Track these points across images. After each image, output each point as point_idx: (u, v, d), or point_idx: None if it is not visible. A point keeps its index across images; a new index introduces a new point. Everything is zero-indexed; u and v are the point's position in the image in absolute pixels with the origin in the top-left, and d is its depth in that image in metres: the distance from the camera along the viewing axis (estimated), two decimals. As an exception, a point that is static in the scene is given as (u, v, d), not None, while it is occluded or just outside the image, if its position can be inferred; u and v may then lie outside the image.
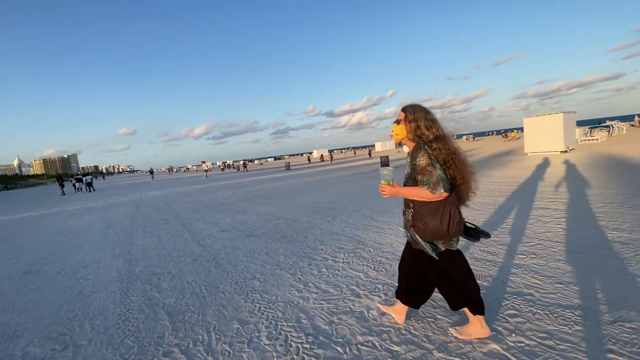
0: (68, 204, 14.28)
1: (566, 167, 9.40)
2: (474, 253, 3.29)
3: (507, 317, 2.12)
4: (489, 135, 60.59)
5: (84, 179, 25.60)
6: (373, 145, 73.15)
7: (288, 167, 29.58)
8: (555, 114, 14.97)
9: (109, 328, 2.52)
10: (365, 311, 2.40)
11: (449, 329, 2.05)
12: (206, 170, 33.34)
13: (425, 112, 1.78)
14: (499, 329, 2.01)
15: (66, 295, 3.30)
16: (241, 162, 48.60)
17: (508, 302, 2.29)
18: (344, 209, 6.48)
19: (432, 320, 2.19)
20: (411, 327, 2.13)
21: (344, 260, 3.51)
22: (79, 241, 5.96)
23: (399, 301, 2.15)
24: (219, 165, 60.77)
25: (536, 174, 8.49)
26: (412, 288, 2.04)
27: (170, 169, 66.20)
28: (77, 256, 4.88)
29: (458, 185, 1.77)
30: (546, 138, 15.08)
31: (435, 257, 1.78)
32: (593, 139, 19.49)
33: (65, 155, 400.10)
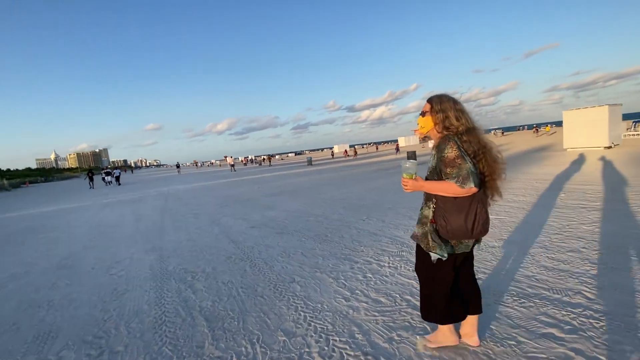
0: (100, 197, 14.76)
1: (614, 163, 8.56)
2: (542, 261, 2.88)
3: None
4: (519, 129, 57.53)
5: (113, 172, 26.19)
6: (396, 140, 71.53)
7: (310, 162, 29.40)
8: (600, 106, 13.81)
9: (145, 333, 2.35)
10: (428, 327, 2.08)
11: (417, 337, 1.97)
12: (232, 165, 34.26)
13: (454, 102, 1.65)
14: None
15: (100, 293, 3.19)
16: (264, 157, 49.07)
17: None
18: (378, 206, 6.14)
19: (507, 339, 1.84)
20: (489, 351, 1.80)
21: (390, 264, 3.20)
22: (111, 235, 5.98)
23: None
24: (242, 160, 61.69)
25: (585, 171, 7.76)
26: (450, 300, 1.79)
27: (195, 163, 67.87)
28: (110, 251, 4.84)
29: (486, 181, 1.61)
30: (589, 133, 13.96)
31: (442, 257, 1.62)
32: (639, 134, 17.97)
33: (97, 150, 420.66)
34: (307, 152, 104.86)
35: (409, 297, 2.50)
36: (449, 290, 1.73)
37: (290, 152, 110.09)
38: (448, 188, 1.52)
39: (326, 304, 2.53)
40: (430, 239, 1.64)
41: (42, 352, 2.21)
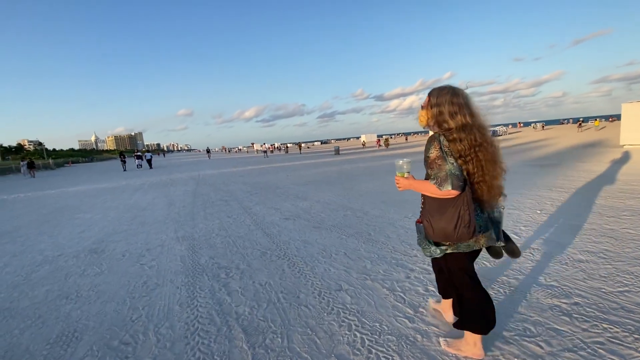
0: (134, 179, 15.13)
1: None
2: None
3: None
4: (563, 123, 53.03)
5: (144, 155, 25.99)
6: (427, 131, 68.80)
7: (337, 151, 28.83)
8: (670, 98, 12.12)
9: (175, 343, 2.04)
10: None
11: (440, 338, 1.87)
12: (265, 152, 35.23)
13: (452, 95, 1.51)
14: None
15: (130, 286, 2.95)
16: (288, 145, 49.03)
17: None
18: (407, 199, 5.58)
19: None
20: None
21: (455, 275, 2.70)
22: (143, 219, 5.87)
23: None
24: (269, 148, 62.18)
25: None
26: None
27: (223, 149, 69.37)
28: (141, 236, 4.68)
29: (475, 182, 1.50)
30: (654, 128, 12.37)
31: (430, 256, 1.67)
32: None
33: (133, 133, 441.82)
34: (332, 141, 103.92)
35: (490, 324, 2.01)
36: (476, 291, 1.65)
37: (316, 141, 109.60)
38: (429, 188, 1.49)
39: (385, 323, 2.09)
40: (421, 239, 1.68)
41: (64, 358, 1.95)
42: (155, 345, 2.03)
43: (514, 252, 1.72)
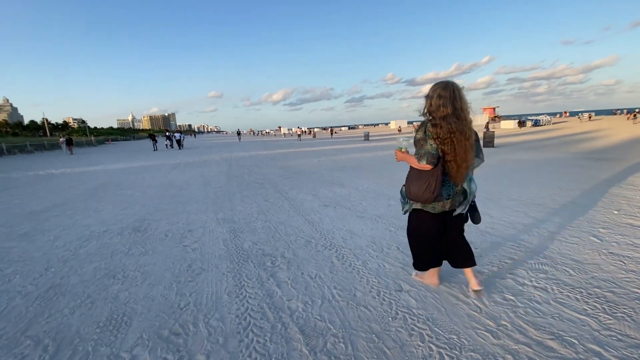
0: (169, 158, 15.54)
1: None
2: None
3: None
4: (615, 113, 47.98)
5: (174, 135, 24.74)
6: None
7: (367, 137, 28.13)
8: None
9: (228, 338, 1.88)
10: None
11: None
12: (299, 135, 35.28)
13: (443, 89, 1.84)
14: None
15: (175, 269, 2.85)
16: (314, 130, 48.63)
17: None
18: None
19: None
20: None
21: (535, 283, 2.34)
22: (181, 198, 5.88)
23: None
24: (295, 131, 61.99)
25: None
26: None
27: (251, 132, 70.28)
28: (182, 216, 4.64)
29: (449, 161, 1.86)
30: None
31: (403, 212, 2.19)
32: None
33: (166, 114, 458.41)
34: (360, 126, 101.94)
35: (592, 345, 1.67)
36: (424, 245, 2.18)
37: (343, 126, 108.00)
38: (412, 161, 1.95)
39: (464, 336, 1.81)
40: (400, 199, 2.20)
41: (115, 345, 1.85)
42: (207, 339, 1.88)
43: (475, 219, 2.17)
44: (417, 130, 1.92)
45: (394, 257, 2.89)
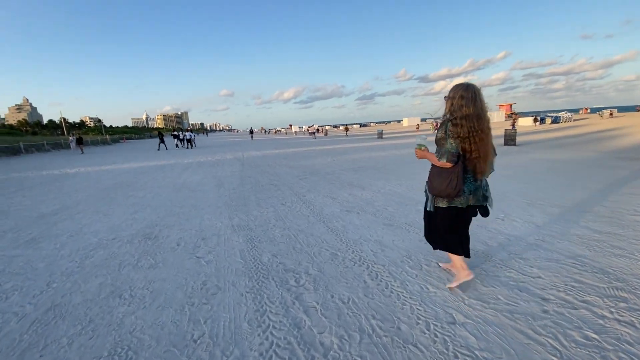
0: (181, 158, 15.41)
1: None
2: None
3: None
4: (639, 110, 45.56)
5: (183, 134, 23.55)
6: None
7: (381, 135, 27.55)
8: None
9: (252, 387, 1.53)
10: None
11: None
12: (313, 133, 34.97)
13: (464, 90, 1.95)
14: None
15: (188, 287, 2.53)
16: (326, 128, 48.19)
17: None
18: (505, 198, 4.67)
19: None
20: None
21: (617, 316, 1.92)
22: (194, 201, 5.60)
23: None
24: (307, 129, 61.62)
25: None
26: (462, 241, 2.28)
27: (262, 130, 70.35)
28: (194, 221, 4.35)
29: (473, 158, 1.96)
30: None
31: (431, 209, 2.18)
32: None
33: (179, 112, 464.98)
34: (372, 124, 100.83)
35: None
36: (453, 231, 2.23)
37: (355, 124, 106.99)
38: (433, 159, 2.06)
39: (550, 394, 1.41)
40: (427, 193, 2.23)
41: (116, 393, 1.53)
42: (226, 387, 1.54)
43: (485, 213, 2.19)
44: (437, 130, 2.07)
45: (437, 277, 2.50)
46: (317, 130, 41.93)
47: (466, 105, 1.92)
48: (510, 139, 14.85)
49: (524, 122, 36.40)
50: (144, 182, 8.19)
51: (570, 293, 2.19)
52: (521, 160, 8.99)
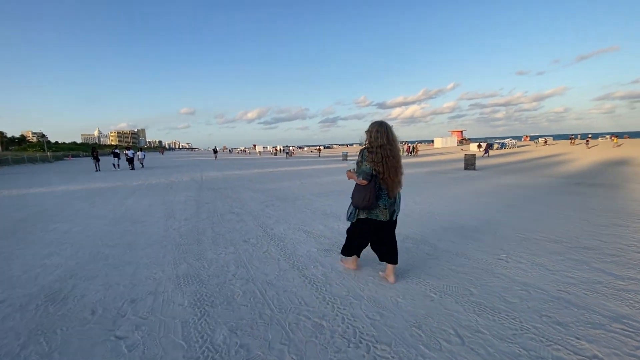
0: (131, 179, 13.73)
1: None
2: None
3: None
4: (572, 140, 50.52)
5: (126, 153, 19.60)
6: (432, 141, 67.47)
7: (346, 157, 27.51)
8: None
9: None
10: None
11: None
12: (287, 153, 34.60)
13: (379, 126, 2.53)
14: None
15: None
16: (293, 148, 47.67)
17: None
18: (504, 232, 4.21)
19: None
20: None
21: None
22: (132, 238, 4.48)
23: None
24: (271, 150, 60.58)
25: None
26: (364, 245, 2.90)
27: (224, 149, 68.06)
28: (126, 270, 3.29)
29: (384, 178, 2.49)
30: None
31: (352, 220, 2.73)
32: None
33: (136, 129, 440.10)
34: (335, 146, 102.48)
35: None
36: (356, 240, 2.83)
37: (319, 145, 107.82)
38: (354, 178, 2.58)
39: None
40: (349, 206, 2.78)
41: None
42: None
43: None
44: (359, 155, 2.57)
45: (462, 358, 1.78)
46: (291, 151, 41.39)
47: (380, 137, 2.48)
48: (469, 163, 15.22)
49: (475, 148, 38.81)
50: (76, 209, 6.78)
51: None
52: (489, 185, 8.93)
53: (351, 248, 2.89)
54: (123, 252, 3.89)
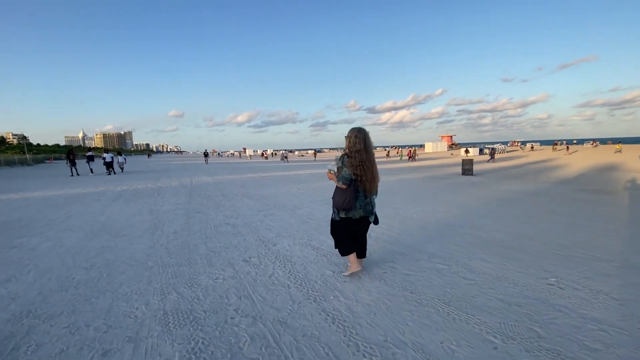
0: (115, 184, 12.87)
1: None
2: None
3: None
4: (556, 145, 51.27)
5: (103, 157, 17.42)
6: (422, 146, 67.84)
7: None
8: None
9: None
10: None
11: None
12: (285, 157, 34.13)
13: (358, 132, 2.74)
14: None
15: None
16: (287, 152, 46.97)
17: None
18: (539, 249, 3.72)
19: None
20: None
21: None
22: (111, 256, 3.82)
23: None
24: (262, 154, 59.55)
25: None
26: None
27: (214, 152, 66.78)
28: (100, 303, 2.64)
29: (362, 181, 2.71)
30: None
31: (336, 219, 2.88)
32: None
33: (122, 132, 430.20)
34: (326, 150, 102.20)
35: None
36: (344, 238, 2.92)
37: (309, 149, 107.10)
38: (336, 181, 2.78)
39: None
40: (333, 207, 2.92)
41: None
42: None
43: (376, 221, 2.95)
44: (339, 160, 2.80)
45: None
46: (267, 154, 40.60)
47: (358, 142, 2.70)
48: (467, 168, 14.91)
49: (462, 153, 39.01)
50: (50, 219, 6.02)
51: None
52: (493, 192, 8.55)
53: (346, 243, 2.93)
54: (98, 276, 3.23)
